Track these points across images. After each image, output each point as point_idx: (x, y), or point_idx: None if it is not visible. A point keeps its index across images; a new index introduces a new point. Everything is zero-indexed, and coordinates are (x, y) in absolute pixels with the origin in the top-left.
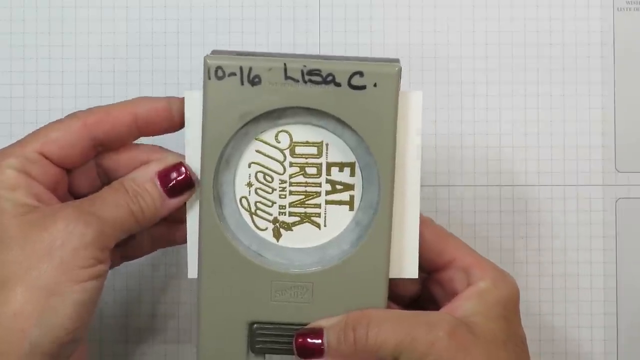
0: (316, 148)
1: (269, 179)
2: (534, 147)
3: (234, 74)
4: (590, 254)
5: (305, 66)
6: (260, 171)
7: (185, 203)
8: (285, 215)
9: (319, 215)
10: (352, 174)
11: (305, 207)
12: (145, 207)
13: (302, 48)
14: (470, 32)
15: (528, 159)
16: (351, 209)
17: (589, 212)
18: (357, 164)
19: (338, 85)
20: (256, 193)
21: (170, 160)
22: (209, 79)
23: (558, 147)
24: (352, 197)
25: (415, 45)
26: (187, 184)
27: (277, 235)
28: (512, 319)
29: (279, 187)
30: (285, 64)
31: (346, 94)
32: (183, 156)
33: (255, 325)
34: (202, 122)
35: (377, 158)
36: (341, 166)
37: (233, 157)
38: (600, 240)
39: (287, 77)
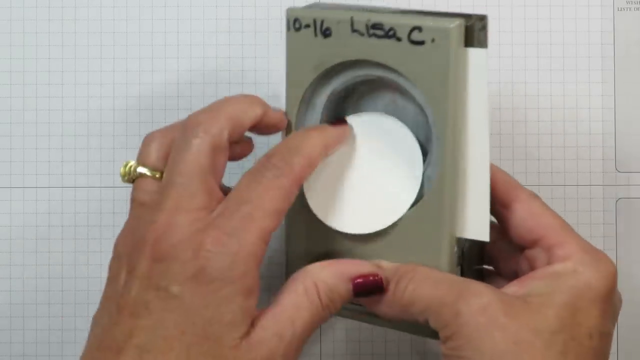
0: None
1: None
2: (534, 147)
3: (308, 25)
4: None
5: (369, 20)
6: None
7: None
8: None
9: None
10: None
11: None
12: (333, 311)
13: None
14: None
15: (528, 159)
16: None
17: (589, 212)
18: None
19: (399, 39)
20: None
21: (368, 268)
22: (289, 30)
23: (558, 147)
24: None
25: None
26: (378, 289)
27: None
28: (587, 310)
29: None
30: (352, 18)
31: (406, 49)
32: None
33: None
34: (286, 72)
35: (435, 114)
36: None
37: (317, 99)
38: (601, 240)
39: (353, 30)
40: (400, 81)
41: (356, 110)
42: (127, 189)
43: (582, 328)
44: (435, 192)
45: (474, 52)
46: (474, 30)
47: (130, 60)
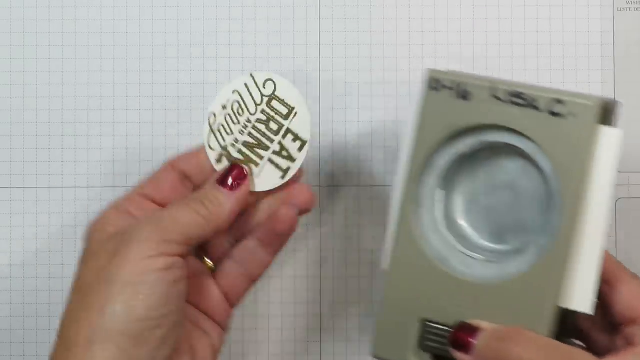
0: (287, 110)
1: (240, 111)
2: None
3: (449, 87)
4: None
5: (511, 88)
6: (238, 101)
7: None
8: (234, 148)
9: (257, 165)
10: (301, 149)
11: (252, 152)
12: (213, 210)
13: (302, 48)
14: (470, 32)
15: None
16: (282, 178)
17: None
18: (308, 143)
19: (538, 109)
20: (224, 118)
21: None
22: (428, 89)
23: None
24: (288, 169)
25: (415, 45)
26: (243, 176)
27: (219, 160)
28: None
29: (244, 123)
30: (493, 84)
31: (545, 120)
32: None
33: (426, 323)
34: (415, 127)
35: (563, 185)
36: (296, 138)
37: (438, 159)
38: None
39: (493, 96)
40: (529, 150)
41: (473, 173)
42: (126, 190)
43: None
44: (548, 261)
45: (609, 132)
46: (609, 111)
47: (130, 60)
